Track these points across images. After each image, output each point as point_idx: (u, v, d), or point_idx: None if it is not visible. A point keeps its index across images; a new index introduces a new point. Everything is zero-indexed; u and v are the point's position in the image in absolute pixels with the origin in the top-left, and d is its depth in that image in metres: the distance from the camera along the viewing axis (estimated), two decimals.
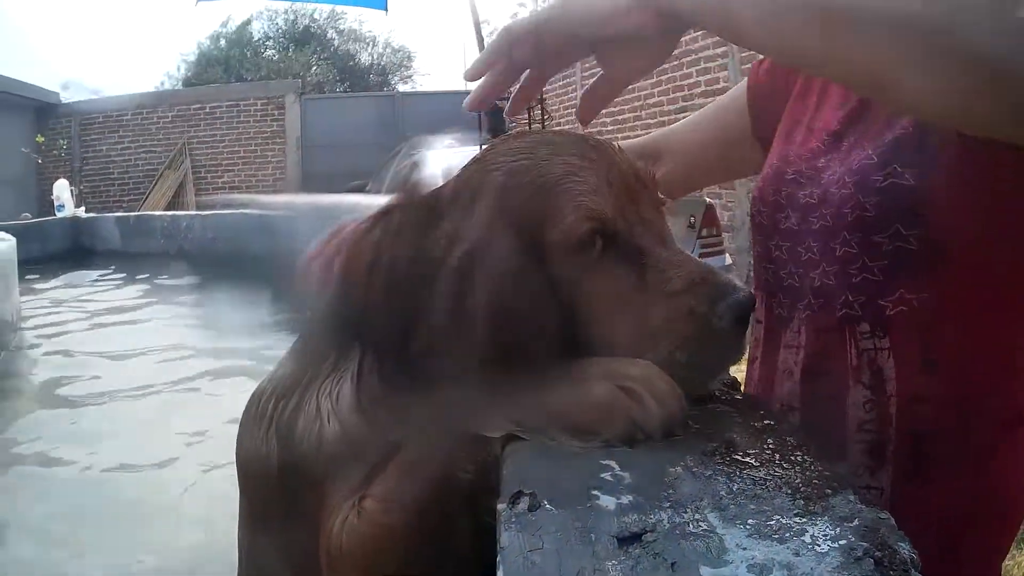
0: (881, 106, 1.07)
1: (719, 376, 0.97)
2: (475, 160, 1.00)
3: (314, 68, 23.72)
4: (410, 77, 26.67)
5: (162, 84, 24.83)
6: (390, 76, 26.22)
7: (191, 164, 17.10)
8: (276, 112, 17.17)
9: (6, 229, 8.87)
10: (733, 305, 0.87)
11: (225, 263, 7.62)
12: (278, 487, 1.08)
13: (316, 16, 25.65)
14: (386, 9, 10.59)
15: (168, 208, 15.05)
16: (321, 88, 22.11)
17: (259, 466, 1.11)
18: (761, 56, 1.21)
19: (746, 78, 1.41)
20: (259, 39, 25.85)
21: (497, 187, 0.94)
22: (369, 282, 0.93)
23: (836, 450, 1.10)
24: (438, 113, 10.23)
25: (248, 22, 25.55)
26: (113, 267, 8.93)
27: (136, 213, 10.76)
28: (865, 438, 1.09)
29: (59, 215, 10.61)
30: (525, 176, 0.93)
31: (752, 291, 0.91)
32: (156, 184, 17.04)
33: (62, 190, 11.15)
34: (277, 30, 25.93)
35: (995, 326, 1.03)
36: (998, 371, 1.05)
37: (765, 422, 0.88)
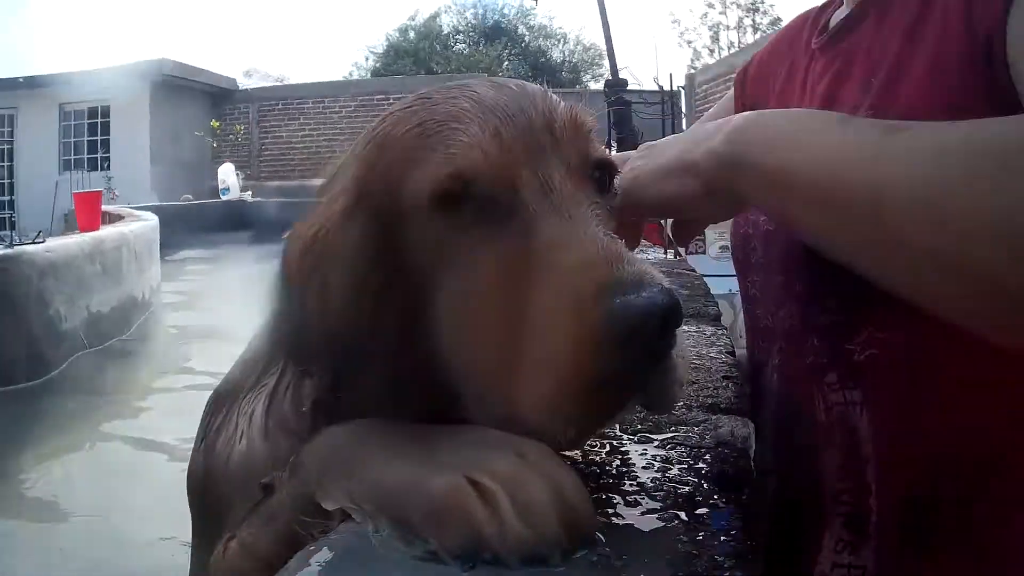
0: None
1: (615, 417, 0.79)
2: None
3: (505, 64, 24.03)
4: (601, 75, 26.45)
5: (350, 75, 26.05)
6: (582, 74, 26.27)
7: None
8: None
9: (168, 209, 9.37)
10: (638, 306, 0.63)
11: None
12: (202, 503, 1.03)
13: (506, 11, 26.29)
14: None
15: None
16: None
17: (192, 480, 1.06)
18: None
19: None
20: (448, 32, 26.53)
21: (369, 142, 0.83)
22: (283, 285, 0.83)
23: (812, 524, 1.00)
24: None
25: (436, 15, 26.44)
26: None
27: (298, 199, 10.98)
28: (841, 510, 0.98)
29: (223, 198, 10.98)
30: (403, 126, 0.79)
31: (672, 290, 0.66)
32: None
33: (228, 174, 11.63)
34: (467, 24, 26.73)
35: (996, 366, 0.86)
36: (1006, 421, 0.90)
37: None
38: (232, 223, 10.43)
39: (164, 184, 15.42)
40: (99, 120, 17.44)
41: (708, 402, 1.09)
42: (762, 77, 1.35)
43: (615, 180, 0.88)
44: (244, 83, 20.26)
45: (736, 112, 1.21)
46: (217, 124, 18.30)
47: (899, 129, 0.75)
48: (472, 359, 0.74)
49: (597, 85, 24.94)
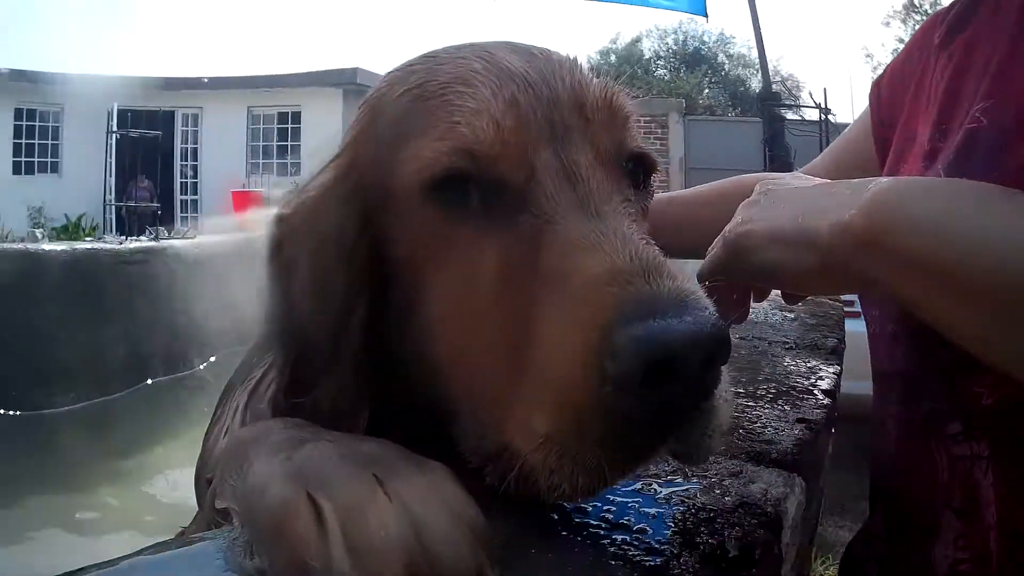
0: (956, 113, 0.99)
1: (619, 477, 0.60)
2: None
3: (706, 91, 24.24)
4: (798, 107, 26.45)
5: None
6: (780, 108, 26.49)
7: None
8: (659, 131, 17.15)
9: None
10: (652, 340, 0.51)
11: None
12: (196, 493, 1.02)
13: (705, 39, 26.57)
14: (706, 15, 10.51)
15: None
16: (712, 111, 22.69)
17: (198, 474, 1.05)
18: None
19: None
20: (649, 57, 26.77)
21: (362, 106, 0.75)
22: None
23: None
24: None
25: (638, 40, 26.88)
26: None
27: None
28: None
29: None
30: (399, 86, 0.70)
31: (720, 319, 0.54)
32: None
33: None
34: (667, 50, 26.98)
35: None
36: None
37: None
38: None
39: None
40: (288, 125, 18.27)
41: (757, 449, 0.87)
42: (896, 84, 1.25)
43: (651, 178, 0.75)
44: None
45: (873, 123, 1.27)
46: None
47: None
48: (462, 376, 0.63)
49: (794, 116, 25.51)
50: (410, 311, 0.67)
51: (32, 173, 18.53)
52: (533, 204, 0.61)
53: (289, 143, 18.33)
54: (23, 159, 18.53)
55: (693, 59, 25.67)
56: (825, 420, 1.03)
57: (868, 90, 1.34)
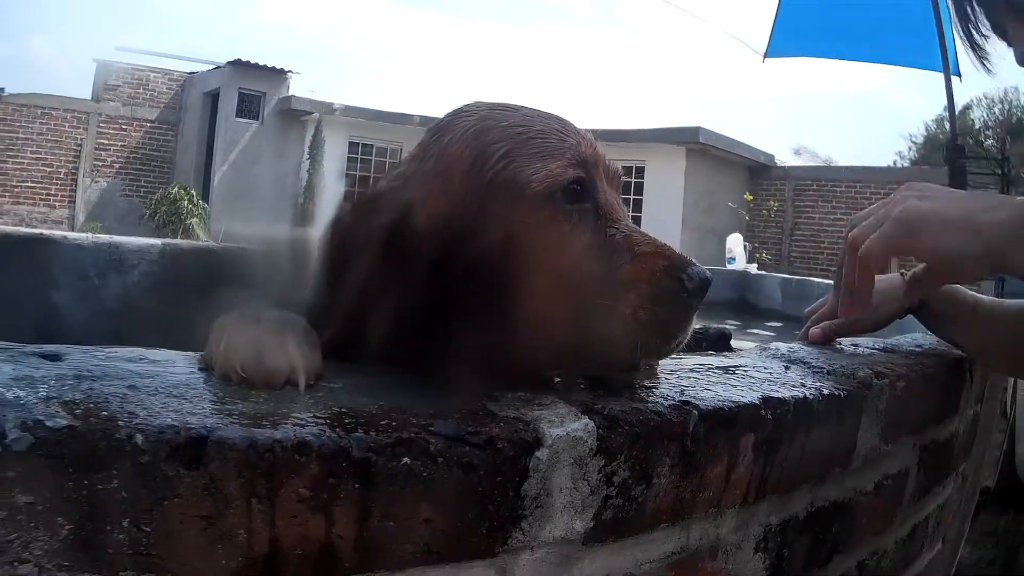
0: None
1: (671, 346, 1.01)
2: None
3: None
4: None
5: (894, 163, 26.03)
6: None
7: None
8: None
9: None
10: (700, 274, 0.99)
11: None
12: None
13: None
14: (959, 75, 9.80)
15: None
16: None
17: None
18: None
19: None
20: (979, 127, 25.67)
21: (466, 133, 1.04)
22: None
23: None
24: None
25: (968, 108, 25.49)
26: (777, 326, 9.30)
27: (799, 277, 11.16)
28: None
29: (728, 267, 11.54)
30: (500, 128, 1.03)
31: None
32: None
33: (735, 244, 12.51)
34: (994, 119, 25.74)
35: None
36: None
37: None
38: (729, 290, 10.73)
39: (693, 250, 15.79)
40: (632, 180, 18.80)
41: None
42: None
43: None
44: (783, 160, 20.75)
45: None
46: (750, 198, 18.94)
47: None
48: (565, 299, 1.00)
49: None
50: (511, 270, 0.99)
51: None
52: (604, 204, 1.04)
53: (632, 196, 18.91)
54: (356, 189, 20.19)
55: (1017, 129, 24.45)
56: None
57: None
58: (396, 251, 1.00)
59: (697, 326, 1.08)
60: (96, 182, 19.60)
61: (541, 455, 0.87)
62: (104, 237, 3.86)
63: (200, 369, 0.89)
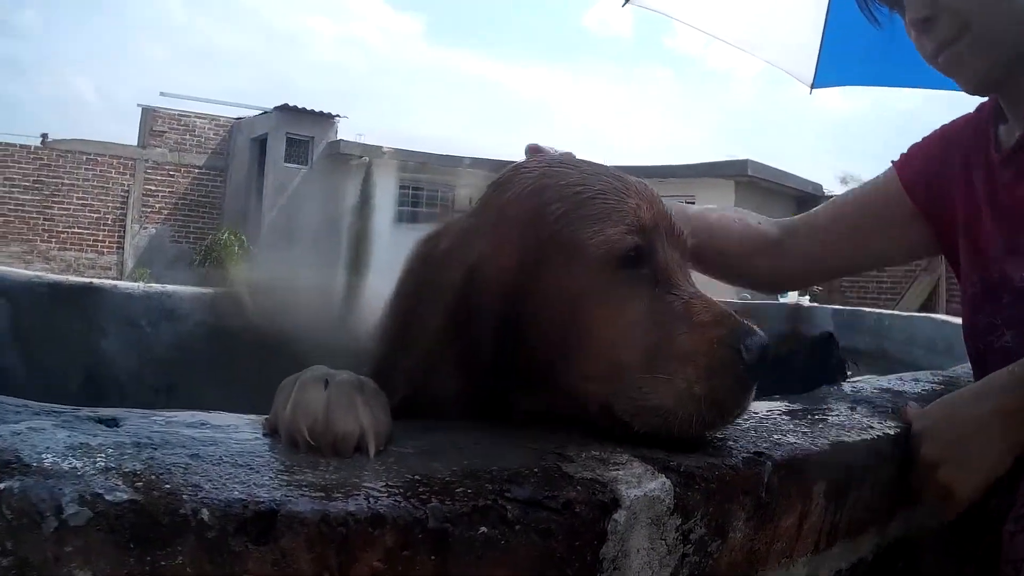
0: None
1: (729, 420, 1.03)
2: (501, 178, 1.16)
3: None
4: None
5: None
6: None
7: (945, 269, 17.21)
8: None
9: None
10: (759, 344, 0.97)
11: (913, 369, 7.30)
12: None
13: None
14: None
15: (920, 310, 15.19)
16: None
17: None
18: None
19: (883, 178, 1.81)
20: None
21: (523, 191, 1.09)
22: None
23: None
24: None
25: None
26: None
27: (850, 308, 11.08)
28: None
29: (781, 300, 11.60)
30: (560, 187, 1.06)
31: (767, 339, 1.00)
32: (911, 287, 17.71)
33: None
34: None
35: None
36: None
37: None
38: (782, 324, 10.74)
39: None
40: None
41: None
42: (933, 177, 1.72)
43: None
44: (830, 189, 20.68)
45: (907, 200, 1.74)
46: None
47: None
48: (614, 367, 1.01)
49: None
50: (567, 330, 1.03)
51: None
52: (665, 270, 1.05)
53: None
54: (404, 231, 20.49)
55: None
56: None
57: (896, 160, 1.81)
58: (463, 307, 1.03)
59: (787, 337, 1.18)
60: (144, 228, 19.91)
61: (619, 517, 0.86)
62: (156, 286, 3.90)
63: (265, 434, 0.88)
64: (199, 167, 20.74)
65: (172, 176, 20.34)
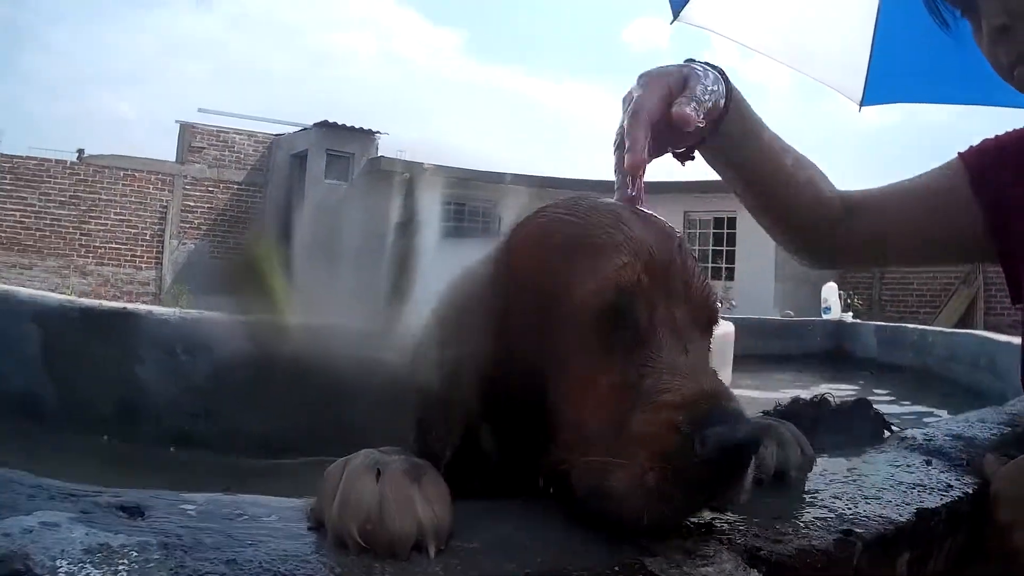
0: None
1: (682, 518, 0.91)
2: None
3: None
4: None
5: None
6: None
7: (983, 281, 17.53)
8: None
9: (769, 323, 10.04)
10: (721, 435, 0.83)
11: (955, 386, 7.42)
12: None
13: None
14: None
15: (957, 326, 15.15)
16: None
17: None
18: None
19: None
20: None
21: (528, 237, 1.06)
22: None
23: None
24: None
25: None
26: (864, 376, 9.15)
27: (893, 324, 11.17)
28: None
29: (824, 317, 11.60)
30: (561, 230, 1.03)
31: (757, 433, 0.89)
32: (951, 299, 17.89)
33: (830, 293, 12.56)
34: None
35: None
36: None
37: None
38: (826, 341, 10.80)
39: (787, 300, 16.66)
40: (724, 230, 19.50)
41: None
42: (1004, 187, 1.61)
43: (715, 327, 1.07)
44: None
45: (973, 200, 1.65)
46: None
47: None
48: (582, 435, 0.92)
49: None
50: (544, 385, 0.97)
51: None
52: (648, 334, 0.94)
53: (724, 248, 19.50)
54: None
55: None
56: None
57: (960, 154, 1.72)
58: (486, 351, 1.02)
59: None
60: (183, 244, 20.21)
61: None
62: (192, 312, 3.87)
63: (309, 528, 0.80)
64: (238, 183, 21.02)
65: (211, 192, 20.63)
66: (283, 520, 0.81)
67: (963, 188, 1.65)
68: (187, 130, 20.35)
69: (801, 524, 0.98)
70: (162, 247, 19.88)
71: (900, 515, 1.05)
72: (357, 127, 20.20)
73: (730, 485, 0.87)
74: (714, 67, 1.41)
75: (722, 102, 1.41)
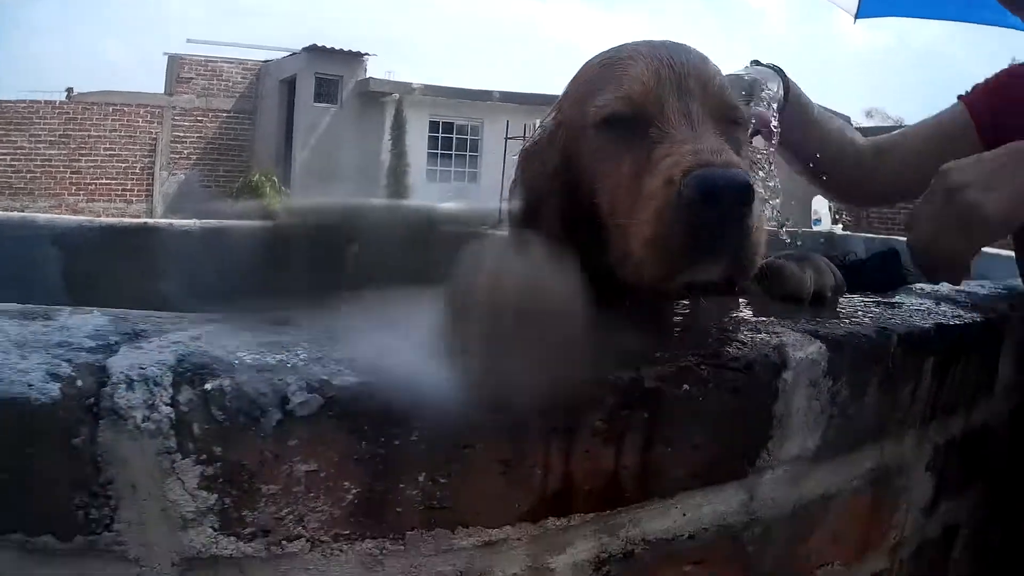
0: None
1: (691, 268, 0.97)
2: None
3: None
4: None
5: None
6: None
7: None
8: None
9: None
10: (702, 176, 0.90)
11: None
12: None
13: None
14: None
15: None
16: None
17: None
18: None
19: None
20: None
21: (572, 79, 1.23)
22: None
23: None
24: None
25: None
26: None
27: (883, 236, 11.20)
28: None
29: (815, 228, 11.70)
30: (595, 62, 1.20)
31: (742, 176, 0.92)
32: None
33: (821, 205, 12.56)
34: None
35: None
36: None
37: None
38: (817, 251, 10.84)
39: (775, 214, 16.26)
40: None
41: None
42: (1004, 127, 1.67)
43: (742, 126, 1.19)
44: (857, 122, 21.15)
45: (979, 138, 1.76)
46: None
47: None
48: (618, 220, 1.04)
49: None
50: (591, 191, 1.11)
51: (448, 181, 20.70)
52: (660, 124, 1.04)
53: None
54: (439, 168, 20.73)
55: None
56: None
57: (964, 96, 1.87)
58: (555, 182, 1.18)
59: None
60: (173, 174, 19.98)
61: (787, 377, 0.97)
62: (213, 222, 3.89)
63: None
64: (227, 111, 20.71)
65: (200, 121, 20.33)
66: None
67: (971, 134, 1.78)
68: (175, 62, 19.95)
69: (844, 321, 1.15)
70: (152, 179, 19.70)
71: (925, 323, 1.22)
72: (345, 50, 19.98)
73: (723, 231, 0.93)
74: (774, 67, 1.67)
75: (782, 96, 1.68)
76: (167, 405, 0.68)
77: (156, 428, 0.67)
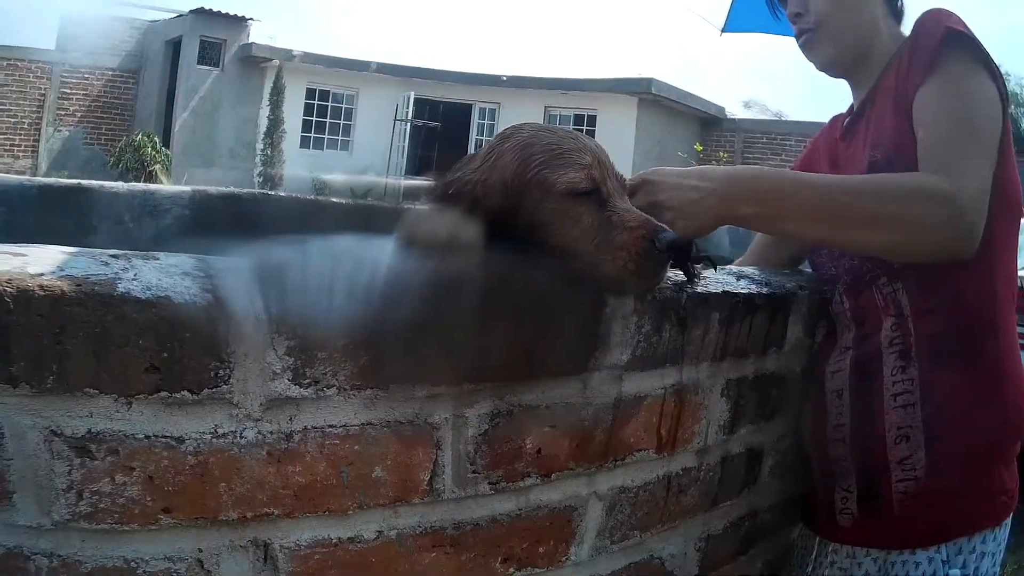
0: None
1: (651, 285, 1.45)
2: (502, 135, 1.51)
3: None
4: None
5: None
6: None
7: None
8: None
9: None
10: (669, 238, 1.36)
11: None
12: None
13: None
14: None
15: None
16: None
17: None
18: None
19: None
20: None
21: (509, 146, 1.46)
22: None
23: (875, 364, 1.79)
24: None
25: None
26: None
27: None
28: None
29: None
30: (540, 142, 1.44)
31: (688, 238, 1.53)
32: None
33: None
34: None
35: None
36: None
37: None
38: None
39: None
40: (584, 127, 18.89)
41: None
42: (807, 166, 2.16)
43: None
44: (734, 113, 21.14)
45: None
46: (700, 148, 19.48)
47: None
48: (575, 250, 1.39)
49: None
50: (549, 238, 1.40)
51: (321, 148, 21.15)
52: (608, 198, 1.41)
53: None
54: (312, 135, 21.16)
55: None
56: None
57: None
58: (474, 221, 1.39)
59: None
60: (58, 131, 19.68)
61: (608, 311, 1.43)
62: (139, 186, 4.07)
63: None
64: (113, 69, 20.50)
65: (87, 79, 20.05)
66: None
67: None
68: (67, 21, 19.55)
69: (655, 287, 1.51)
70: (39, 136, 19.44)
71: (713, 289, 1.61)
72: (230, 14, 19.83)
73: (680, 265, 1.53)
74: None
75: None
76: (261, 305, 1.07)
77: (259, 319, 1.06)
